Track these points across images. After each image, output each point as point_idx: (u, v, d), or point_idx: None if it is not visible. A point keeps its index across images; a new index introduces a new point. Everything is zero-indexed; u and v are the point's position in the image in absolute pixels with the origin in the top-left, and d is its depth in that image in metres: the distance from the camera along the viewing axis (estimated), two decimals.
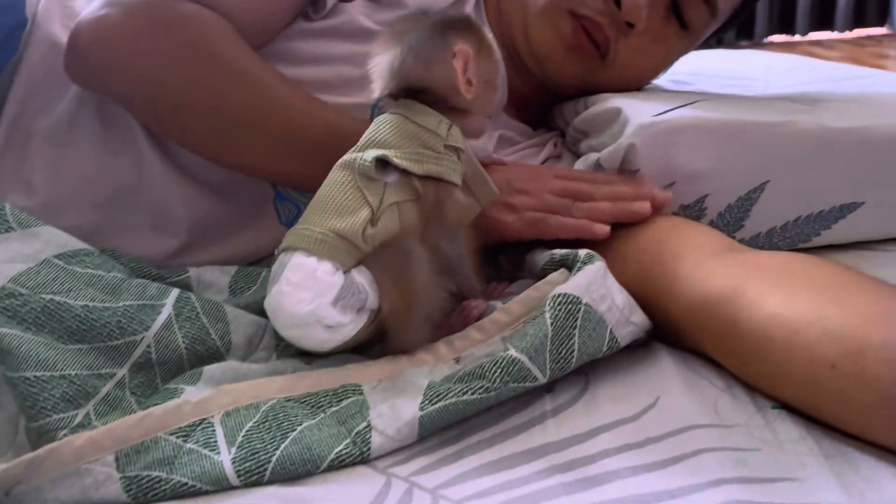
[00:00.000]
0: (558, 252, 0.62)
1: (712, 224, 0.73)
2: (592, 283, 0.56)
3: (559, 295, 0.55)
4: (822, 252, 0.74)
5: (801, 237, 0.74)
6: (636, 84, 0.84)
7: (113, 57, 0.66)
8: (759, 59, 1.12)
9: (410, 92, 0.60)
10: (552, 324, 0.54)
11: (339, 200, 0.56)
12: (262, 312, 0.66)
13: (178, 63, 0.66)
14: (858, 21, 3.99)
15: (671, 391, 0.53)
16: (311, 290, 0.53)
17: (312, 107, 0.69)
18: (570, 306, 0.54)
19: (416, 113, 0.59)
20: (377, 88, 0.61)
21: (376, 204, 0.55)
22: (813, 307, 0.50)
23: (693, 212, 0.72)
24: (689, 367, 0.57)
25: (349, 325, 0.55)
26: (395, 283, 0.55)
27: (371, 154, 0.56)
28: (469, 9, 0.83)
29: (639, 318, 0.59)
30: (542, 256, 0.64)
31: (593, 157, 0.73)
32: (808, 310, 0.50)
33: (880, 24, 4.05)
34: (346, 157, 0.58)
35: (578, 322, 0.54)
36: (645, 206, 0.64)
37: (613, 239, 0.67)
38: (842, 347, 0.47)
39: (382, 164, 0.56)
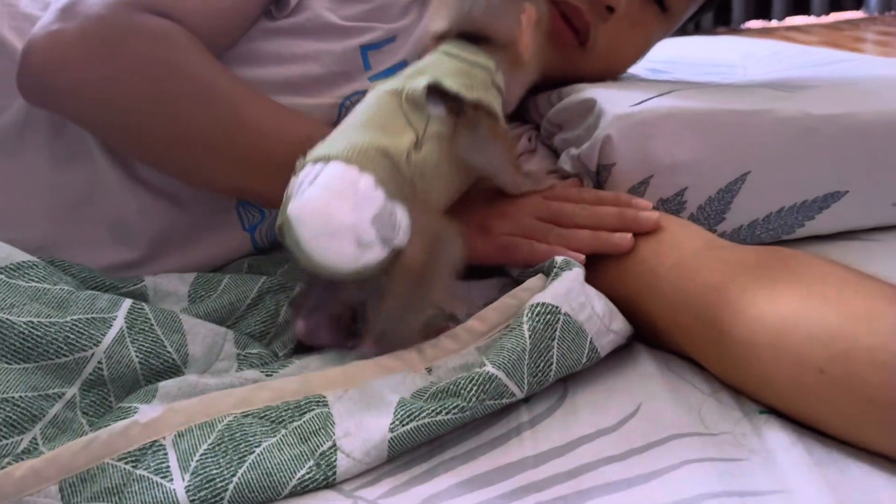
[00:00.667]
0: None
1: (692, 218, 0.70)
2: (572, 290, 0.54)
3: (537, 304, 0.52)
4: (807, 243, 0.72)
5: (784, 229, 0.72)
6: (615, 72, 0.82)
7: (69, 78, 0.62)
8: (738, 46, 1.09)
9: (467, 37, 0.60)
10: (530, 336, 0.51)
11: (382, 120, 0.54)
12: (222, 321, 0.64)
13: (138, 82, 0.63)
14: (835, 5, 4.00)
15: (653, 397, 0.51)
16: (352, 201, 0.49)
17: (284, 121, 0.66)
18: (548, 317, 0.52)
19: (466, 51, 0.59)
20: (438, 25, 0.61)
21: (421, 130, 0.54)
22: (798, 308, 0.48)
23: (672, 205, 0.70)
24: (672, 370, 0.55)
25: (377, 250, 0.50)
26: (429, 232, 0.52)
27: (423, 81, 0.55)
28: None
29: (619, 326, 0.56)
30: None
31: (573, 152, 0.70)
32: (794, 310, 0.48)
33: (856, 7, 4.06)
34: (391, 84, 0.56)
35: (557, 333, 0.52)
36: (626, 239, 0.60)
37: None
38: (829, 351, 0.45)
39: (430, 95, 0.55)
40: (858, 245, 0.71)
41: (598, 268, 0.62)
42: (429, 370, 0.55)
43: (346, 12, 0.73)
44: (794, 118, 0.67)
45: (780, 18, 3.97)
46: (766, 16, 3.97)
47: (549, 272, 0.57)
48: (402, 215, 0.51)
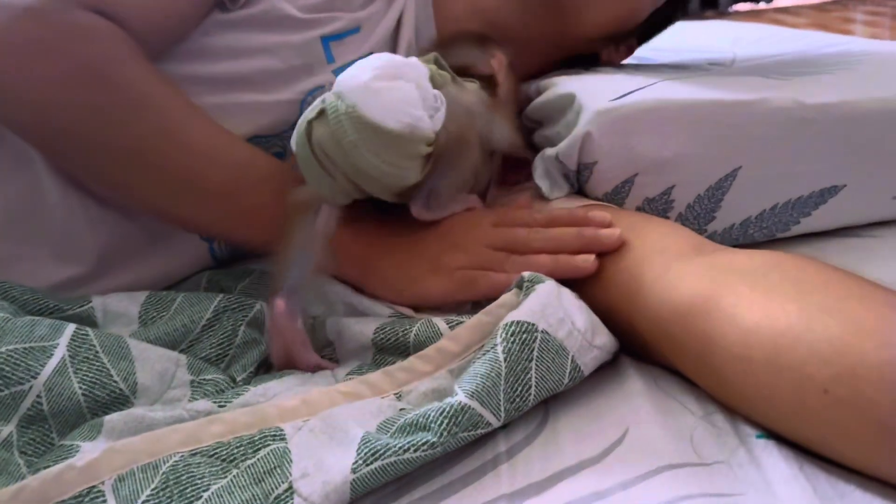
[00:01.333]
0: None
1: (681, 217, 0.66)
2: (548, 305, 0.50)
3: (511, 324, 0.48)
4: (804, 241, 0.69)
5: (779, 226, 0.67)
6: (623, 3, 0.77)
7: None
8: (726, 31, 1.05)
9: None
10: (505, 359, 0.47)
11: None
12: (175, 344, 0.59)
13: (71, 87, 0.57)
14: None
15: (641, 421, 0.47)
16: (412, 83, 0.54)
17: (222, 144, 0.61)
18: (524, 336, 0.48)
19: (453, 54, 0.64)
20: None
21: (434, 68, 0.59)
22: (798, 319, 0.43)
23: (659, 205, 0.66)
24: (661, 388, 0.51)
25: (426, 121, 0.54)
26: (458, 124, 0.56)
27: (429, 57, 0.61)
28: None
29: (603, 340, 0.52)
30: None
31: (550, 152, 0.66)
32: (793, 322, 0.43)
33: None
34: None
35: (535, 353, 0.48)
36: (589, 262, 0.56)
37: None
38: (833, 368, 0.41)
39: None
40: (857, 242, 0.68)
41: (578, 278, 0.58)
42: (398, 395, 0.51)
43: (306, 2, 0.69)
44: (786, 108, 0.63)
45: (769, 0, 3.93)
46: None
47: (520, 286, 0.53)
48: (442, 102, 0.56)
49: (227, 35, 0.67)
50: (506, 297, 0.52)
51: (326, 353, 0.61)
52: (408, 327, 0.57)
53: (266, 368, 0.60)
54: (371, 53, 0.71)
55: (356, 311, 0.62)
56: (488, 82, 0.66)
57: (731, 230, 0.67)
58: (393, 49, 0.75)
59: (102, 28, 0.58)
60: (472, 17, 0.79)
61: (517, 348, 0.47)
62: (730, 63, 0.84)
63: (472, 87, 0.63)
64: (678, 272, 0.52)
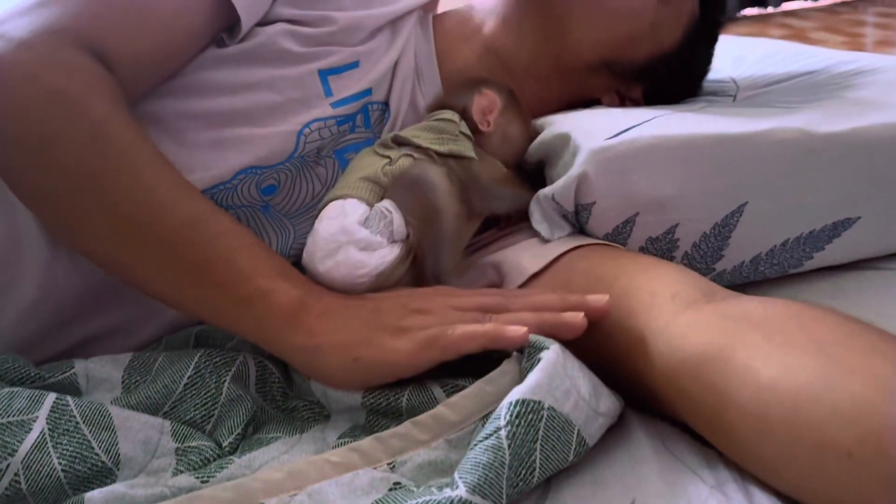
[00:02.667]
0: None
1: (687, 257, 0.64)
2: (554, 377, 0.47)
3: (516, 403, 0.45)
4: (818, 275, 0.66)
5: (791, 262, 0.65)
6: (616, 13, 0.75)
7: None
8: (728, 49, 1.02)
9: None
10: (510, 445, 0.44)
11: (361, 163, 0.64)
12: (157, 407, 0.58)
13: (35, 115, 0.56)
14: None
15: (649, 493, 0.44)
16: (340, 217, 0.58)
17: (179, 195, 0.58)
18: (530, 416, 0.45)
19: (435, 115, 0.68)
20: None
21: (394, 156, 0.62)
22: (818, 376, 0.41)
23: (663, 244, 0.63)
24: (671, 451, 0.48)
25: (384, 251, 0.58)
26: (418, 204, 0.59)
27: (389, 135, 0.66)
28: (409, 27, 0.76)
29: (608, 405, 0.50)
30: None
31: (546, 193, 0.64)
32: (813, 379, 0.41)
33: None
34: (366, 149, 0.67)
35: (541, 434, 0.45)
36: (577, 318, 0.51)
37: (566, 288, 0.58)
38: (858, 430, 0.38)
39: (399, 143, 0.65)
40: (875, 275, 0.65)
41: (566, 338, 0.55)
42: (392, 466, 0.49)
43: (306, 36, 0.68)
44: (793, 140, 0.60)
45: (776, 5, 3.90)
46: (762, 2, 3.90)
47: (522, 351, 0.50)
48: (390, 206, 0.59)
49: (224, 70, 0.66)
50: (509, 365, 0.50)
51: (314, 409, 0.59)
52: (399, 391, 0.54)
53: (255, 428, 0.58)
54: (370, 89, 0.71)
55: None
56: (473, 125, 0.67)
57: (740, 268, 0.65)
58: (392, 76, 0.74)
59: (85, 67, 0.57)
60: (468, 43, 0.78)
61: (522, 431, 0.45)
62: (731, 89, 0.81)
63: (448, 143, 0.65)
64: (688, 320, 0.49)
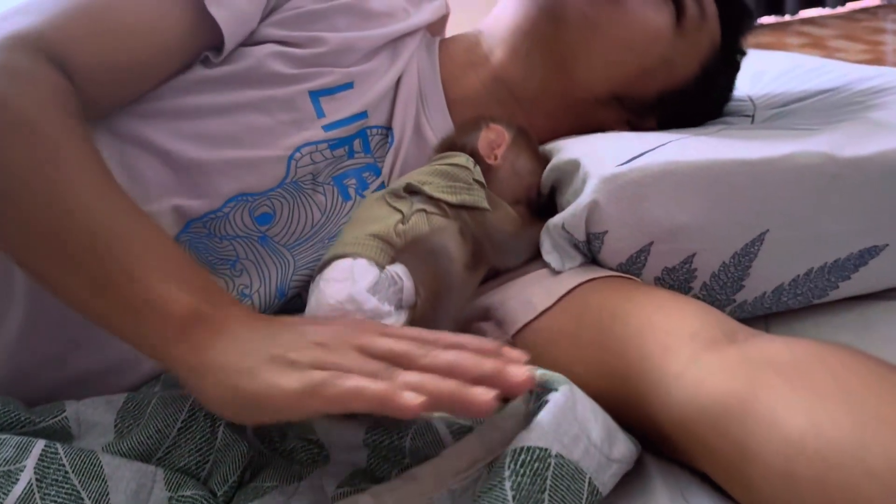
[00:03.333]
0: None
1: (706, 287, 0.61)
2: (562, 422, 0.45)
3: (521, 451, 0.43)
4: (845, 305, 0.63)
5: (815, 293, 0.62)
6: (628, 47, 0.72)
7: None
8: (748, 62, 0.99)
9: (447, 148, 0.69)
10: (514, 497, 0.42)
11: (371, 214, 0.61)
12: (149, 454, 0.56)
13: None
14: None
15: None
16: (348, 280, 0.55)
17: (94, 201, 0.53)
18: (536, 465, 0.43)
19: (446, 157, 0.66)
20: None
21: (406, 210, 0.60)
22: (849, 430, 0.38)
23: (680, 275, 0.60)
24: (689, 503, 0.45)
25: (391, 318, 0.55)
26: (431, 277, 0.56)
27: (400, 183, 0.63)
28: (411, 49, 0.74)
29: (623, 451, 0.47)
30: None
31: (556, 222, 0.61)
32: (844, 434, 0.38)
33: None
34: (376, 193, 0.64)
35: (548, 483, 0.43)
36: (486, 397, 0.41)
37: (580, 327, 0.55)
38: (894, 492, 0.35)
39: (410, 192, 0.62)
40: None
41: (594, 364, 0.53)
42: None
43: (296, 58, 0.67)
44: (815, 165, 0.58)
45: (794, 12, 3.85)
46: (780, 10, 3.86)
47: (530, 391, 0.48)
48: (401, 272, 0.56)
49: (211, 92, 0.65)
50: (514, 407, 0.48)
51: (313, 449, 0.57)
52: (404, 430, 0.52)
53: (252, 474, 0.56)
54: (365, 112, 0.69)
55: None
56: (482, 163, 0.66)
57: (762, 299, 0.62)
58: (393, 99, 0.72)
59: (42, 75, 0.56)
60: (475, 70, 0.76)
61: (528, 481, 0.42)
62: (749, 108, 0.79)
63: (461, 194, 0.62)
64: (708, 364, 0.47)
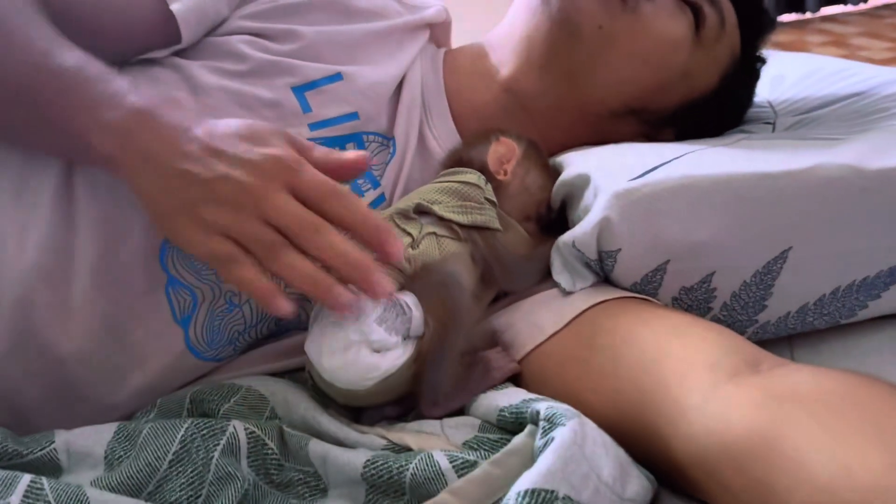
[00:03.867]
0: (507, 408, 0.48)
1: (726, 308, 0.58)
2: (570, 461, 0.42)
3: (526, 493, 0.41)
4: (875, 326, 0.60)
5: (842, 312, 0.59)
6: (645, 60, 0.70)
7: None
8: (767, 66, 0.96)
9: (455, 166, 0.66)
10: None
11: None
12: (140, 488, 0.54)
13: None
14: None
15: None
16: (353, 314, 0.53)
17: (56, 51, 0.57)
18: None
19: (456, 174, 0.63)
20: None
21: (415, 233, 0.58)
22: (884, 475, 0.36)
23: (699, 295, 0.58)
24: None
25: (397, 351, 0.53)
26: (441, 309, 0.54)
27: (410, 203, 0.60)
28: (409, 55, 0.72)
29: (636, 489, 0.44)
30: (489, 407, 0.49)
31: (566, 240, 0.59)
32: (879, 479, 0.36)
33: None
34: (383, 213, 0.61)
35: None
36: (342, 297, 0.50)
37: (591, 352, 0.52)
38: None
39: (420, 212, 0.60)
40: None
41: (606, 392, 0.50)
42: None
43: (271, 50, 0.66)
44: (841, 178, 0.55)
45: (815, 10, 3.80)
46: (800, 8, 3.81)
47: (535, 420, 0.45)
48: (410, 302, 0.54)
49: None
50: (518, 443, 0.45)
51: (311, 482, 0.55)
52: (404, 464, 0.50)
53: None
54: (356, 113, 0.67)
55: (343, 444, 0.55)
56: (490, 178, 0.64)
57: (786, 319, 0.59)
58: (395, 107, 0.70)
59: None
60: (483, 80, 0.74)
61: None
62: (769, 115, 0.75)
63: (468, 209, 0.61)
64: (729, 397, 0.44)
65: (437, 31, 0.78)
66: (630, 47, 0.68)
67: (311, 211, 0.51)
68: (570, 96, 0.71)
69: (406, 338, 0.54)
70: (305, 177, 0.52)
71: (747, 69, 0.77)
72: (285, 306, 0.50)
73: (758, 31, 0.76)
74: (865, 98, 0.73)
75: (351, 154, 0.56)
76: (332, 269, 0.51)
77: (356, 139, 0.67)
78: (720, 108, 0.75)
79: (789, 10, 3.83)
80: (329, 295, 0.50)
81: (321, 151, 0.55)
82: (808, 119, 0.74)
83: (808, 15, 3.83)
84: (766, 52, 1.05)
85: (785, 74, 0.91)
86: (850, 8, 3.82)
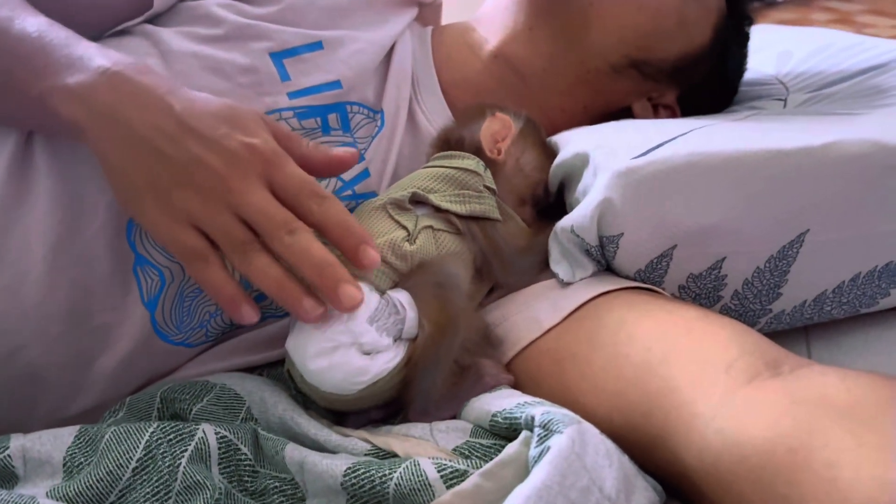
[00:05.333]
0: (499, 412, 0.44)
1: (738, 296, 0.55)
2: (568, 472, 0.39)
3: None
4: (895, 314, 0.56)
5: (863, 301, 0.56)
6: (640, 5, 0.68)
7: None
8: (773, 41, 0.92)
9: (448, 145, 0.63)
10: None
11: (371, 227, 0.55)
12: (101, 498, 0.50)
13: None
14: None
15: None
16: (343, 338, 0.50)
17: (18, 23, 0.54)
18: None
19: (453, 159, 0.60)
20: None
21: (411, 226, 0.55)
22: None
23: (708, 282, 0.54)
24: None
25: (388, 354, 0.50)
26: (437, 310, 0.51)
27: (405, 192, 0.56)
28: (396, 28, 0.70)
29: (642, 502, 0.41)
30: (482, 411, 0.46)
31: (564, 225, 0.55)
32: None
33: None
34: (374, 201, 0.57)
35: None
36: (312, 310, 0.48)
37: (592, 349, 0.48)
38: None
39: (415, 202, 0.57)
40: None
41: (608, 394, 0.46)
42: None
43: (247, 13, 0.63)
44: (863, 154, 0.52)
45: None
46: None
47: (531, 427, 0.42)
48: (404, 300, 0.51)
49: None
50: (512, 452, 0.41)
51: (287, 490, 0.51)
52: (387, 472, 0.46)
53: None
54: (338, 81, 0.64)
55: (324, 448, 0.51)
56: (483, 157, 0.60)
57: (802, 308, 0.56)
58: (383, 79, 0.68)
59: None
60: (472, 50, 0.72)
61: None
62: (780, 92, 0.72)
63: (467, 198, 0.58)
64: (748, 403, 0.40)
65: (427, 11, 0.77)
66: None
67: (287, 208, 0.49)
68: (567, 54, 0.69)
69: (397, 339, 0.51)
70: (286, 171, 0.50)
71: (737, 28, 0.76)
72: (250, 315, 0.49)
73: None
74: (885, 72, 0.69)
75: (339, 150, 0.53)
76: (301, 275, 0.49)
77: (339, 109, 0.64)
78: (717, 66, 0.74)
79: None
80: (298, 305, 0.48)
81: (308, 144, 0.53)
82: (822, 96, 0.71)
83: None
84: (770, 28, 1.01)
85: (791, 50, 0.87)
86: None
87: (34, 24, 0.54)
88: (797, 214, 0.52)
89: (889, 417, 0.35)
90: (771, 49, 0.88)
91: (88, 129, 0.50)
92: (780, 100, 0.72)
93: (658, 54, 0.69)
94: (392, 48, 0.70)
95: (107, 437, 0.53)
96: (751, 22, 0.78)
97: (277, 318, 0.64)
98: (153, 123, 0.49)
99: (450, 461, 0.46)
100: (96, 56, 0.52)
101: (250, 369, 0.65)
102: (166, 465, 0.51)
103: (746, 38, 0.78)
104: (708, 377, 0.43)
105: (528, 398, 0.48)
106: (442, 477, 0.45)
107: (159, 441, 0.52)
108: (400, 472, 0.46)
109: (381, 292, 0.52)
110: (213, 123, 0.49)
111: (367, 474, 0.47)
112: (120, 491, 0.50)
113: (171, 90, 0.51)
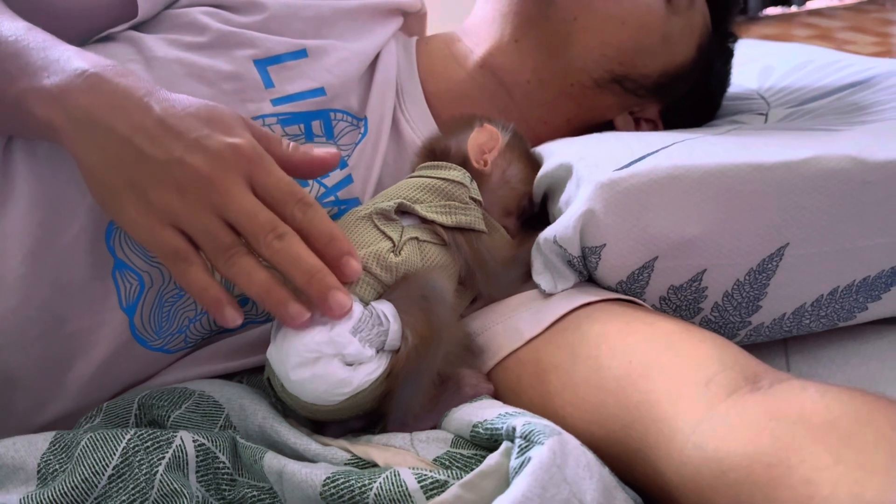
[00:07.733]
0: (481, 423, 0.44)
1: (718, 308, 0.55)
2: (548, 484, 0.39)
3: None
4: (874, 329, 0.58)
5: (841, 314, 0.56)
6: (623, 21, 0.69)
7: None
8: (755, 56, 0.94)
9: (434, 155, 0.63)
10: None
11: (355, 237, 0.55)
12: None
13: None
14: None
15: None
16: (326, 322, 0.49)
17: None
18: None
19: (439, 169, 0.60)
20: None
21: (396, 237, 0.54)
22: None
23: (688, 294, 0.55)
24: None
25: (371, 365, 0.50)
26: (419, 321, 0.51)
27: (391, 203, 0.56)
28: (380, 37, 0.70)
29: None
30: (462, 422, 0.46)
31: (546, 236, 0.56)
32: None
33: None
34: (360, 211, 0.57)
35: None
36: (299, 316, 0.48)
37: (573, 361, 0.49)
38: None
39: (401, 212, 0.57)
40: None
41: (589, 407, 0.47)
42: None
43: (232, 21, 0.63)
44: (842, 169, 0.52)
45: (801, 3, 3.81)
46: (786, 1, 3.82)
47: (512, 438, 0.42)
48: (388, 312, 0.51)
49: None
50: (492, 464, 0.41)
51: (265, 499, 0.51)
52: (367, 482, 0.46)
53: None
54: (322, 88, 0.64)
55: (303, 457, 0.51)
56: (469, 168, 0.61)
57: (781, 321, 0.56)
58: (367, 88, 0.68)
59: None
60: (457, 61, 0.73)
61: None
62: (761, 107, 0.73)
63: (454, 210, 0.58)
64: (727, 418, 0.40)
65: (412, 21, 0.77)
66: (606, 10, 0.67)
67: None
68: (550, 67, 0.69)
69: (380, 350, 0.51)
70: (270, 174, 0.49)
71: (721, 45, 0.77)
72: (234, 317, 0.49)
73: (724, 6, 0.76)
74: (863, 90, 0.70)
75: (320, 151, 0.53)
76: (287, 278, 0.48)
77: (323, 116, 0.64)
78: (700, 82, 0.74)
79: (775, 4, 3.84)
80: (284, 310, 0.48)
81: (288, 145, 0.52)
82: (803, 111, 0.71)
83: (794, 8, 3.84)
84: (753, 43, 1.03)
85: (773, 65, 0.88)
86: (836, 2, 3.84)
87: (11, 28, 0.54)
88: (777, 228, 0.53)
89: (868, 435, 0.36)
90: (753, 64, 0.89)
91: (64, 131, 0.50)
92: (762, 114, 0.73)
93: (641, 70, 0.70)
94: (377, 57, 0.70)
95: (83, 443, 0.53)
96: (735, 39, 0.79)
97: (257, 323, 0.64)
98: (132, 124, 0.49)
99: (430, 471, 0.46)
100: (74, 58, 0.52)
101: (229, 375, 0.65)
102: (143, 472, 0.50)
103: (730, 54, 0.79)
104: (688, 391, 0.43)
105: (510, 409, 0.48)
106: (422, 487, 0.45)
107: (136, 448, 0.51)
108: (380, 482, 0.46)
109: (365, 303, 0.52)
110: (195, 124, 0.49)
111: (347, 484, 0.47)
112: (96, 498, 0.50)
113: (149, 92, 0.50)
